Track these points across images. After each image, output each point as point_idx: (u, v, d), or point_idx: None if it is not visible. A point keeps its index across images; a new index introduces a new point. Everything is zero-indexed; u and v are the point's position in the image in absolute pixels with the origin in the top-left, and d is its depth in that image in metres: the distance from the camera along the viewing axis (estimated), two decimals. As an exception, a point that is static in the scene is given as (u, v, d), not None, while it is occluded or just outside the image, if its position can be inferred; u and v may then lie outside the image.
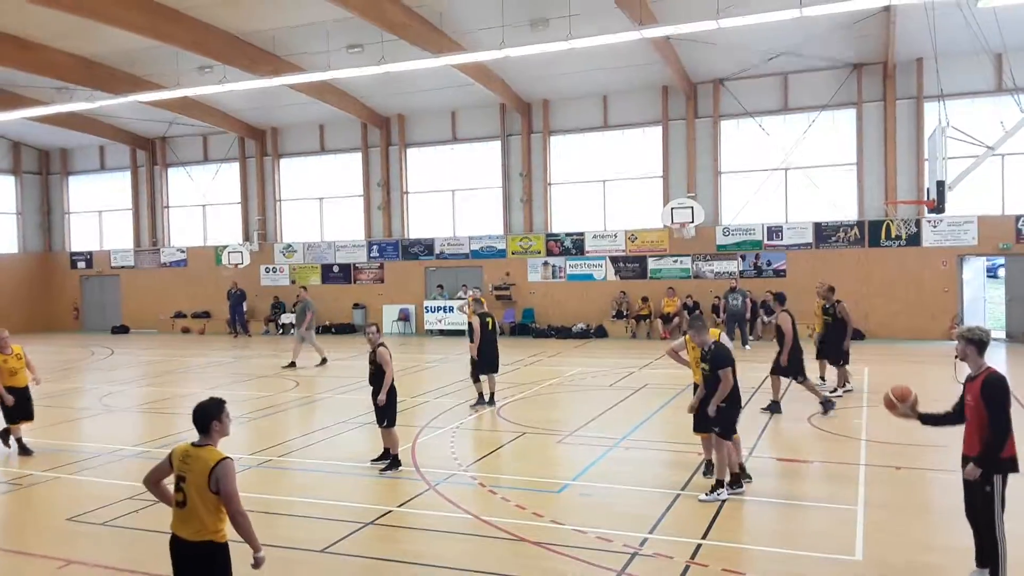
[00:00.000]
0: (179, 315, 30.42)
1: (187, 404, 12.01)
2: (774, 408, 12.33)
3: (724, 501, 8.00)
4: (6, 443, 11.04)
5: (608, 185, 25.30)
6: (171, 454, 4.89)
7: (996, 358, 18.99)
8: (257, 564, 4.79)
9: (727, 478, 8.18)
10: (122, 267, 31.89)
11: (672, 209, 22.65)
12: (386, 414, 9.56)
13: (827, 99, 22.34)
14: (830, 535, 7.14)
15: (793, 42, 20.31)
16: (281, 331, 28.16)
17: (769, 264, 23.22)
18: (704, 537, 7.11)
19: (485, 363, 13.33)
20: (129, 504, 8.51)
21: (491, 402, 13.34)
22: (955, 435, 11.25)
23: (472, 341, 13.17)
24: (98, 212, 32.82)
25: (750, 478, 8.51)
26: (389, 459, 9.54)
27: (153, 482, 4.98)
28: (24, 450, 10.92)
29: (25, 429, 11.13)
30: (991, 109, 19.74)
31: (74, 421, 14.02)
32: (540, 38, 18.75)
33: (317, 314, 20.62)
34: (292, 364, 19.00)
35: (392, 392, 9.57)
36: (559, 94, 25.09)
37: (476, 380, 13.41)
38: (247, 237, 29.53)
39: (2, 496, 9.25)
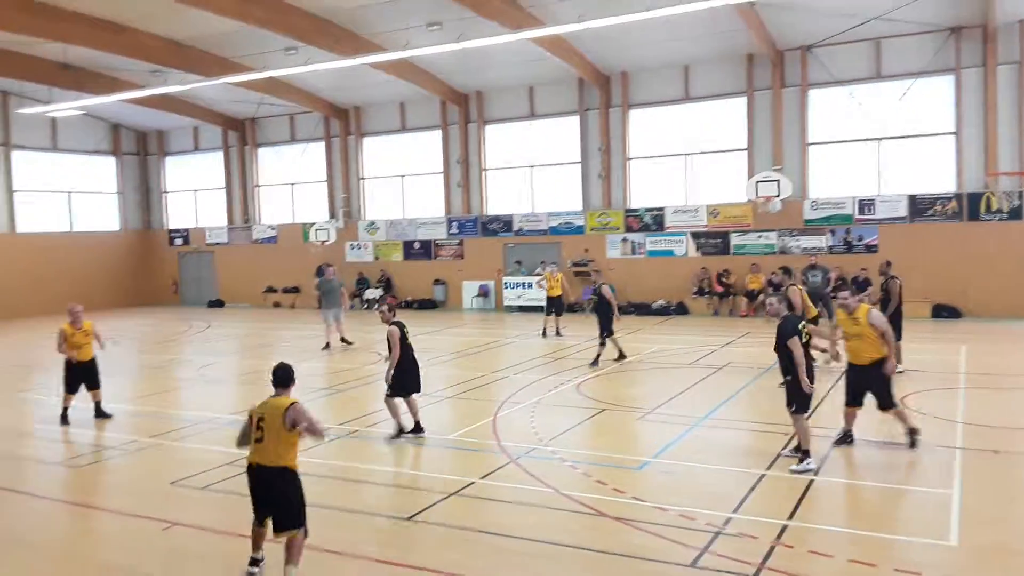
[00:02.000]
0: (270, 290, 31.56)
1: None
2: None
3: (811, 482, 7.85)
4: (65, 421, 11.51)
5: (689, 159, 24.79)
6: (250, 413, 6.18)
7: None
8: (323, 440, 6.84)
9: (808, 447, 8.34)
10: (216, 244, 33.24)
11: (757, 183, 22.03)
12: (391, 387, 9.98)
13: (923, 65, 21.21)
14: (923, 519, 6.93)
15: (886, 5, 19.32)
16: (366, 306, 28.85)
17: (860, 239, 22.37)
18: (790, 518, 7.01)
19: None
20: (227, 470, 8.96)
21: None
22: (1061, 419, 10.69)
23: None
24: (193, 191, 34.24)
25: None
26: (397, 430, 9.99)
27: (245, 442, 6.20)
28: (102, 414, 11.67)
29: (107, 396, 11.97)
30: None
31: (175, 391, 14.80)
32: (619, 8, 18.41)
33: (325, 297, 20.35)
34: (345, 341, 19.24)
35: (398, 368, 9.88)
36: (638, 66, 24.64)
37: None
38: (332, 215, 30.29)
39: (111, 461, 9.87)
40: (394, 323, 10.05)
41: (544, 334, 19.75)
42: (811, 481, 7.94)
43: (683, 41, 22.50)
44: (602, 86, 25.24)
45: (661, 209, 24.94)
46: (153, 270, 34.45)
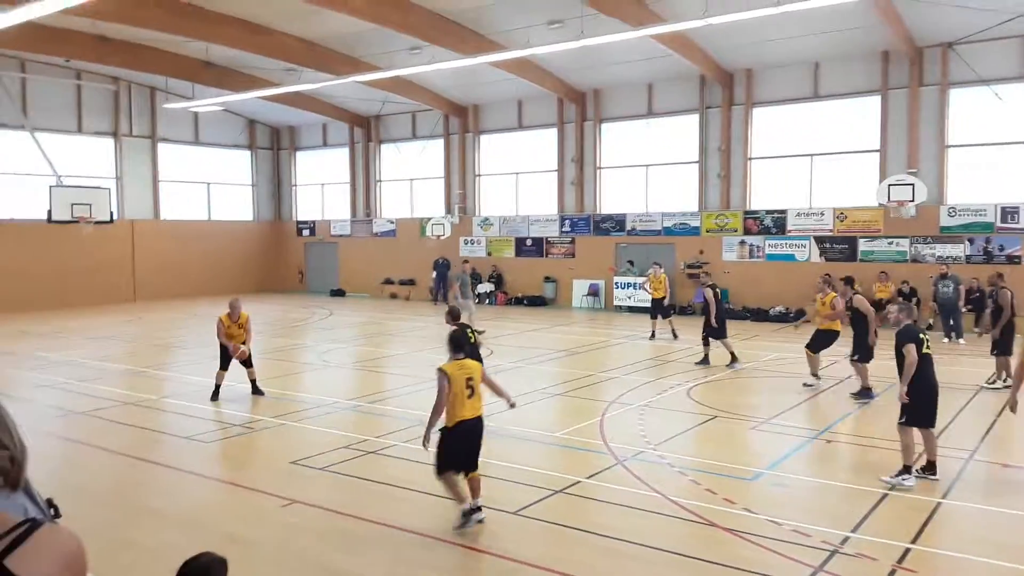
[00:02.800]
0: (387, 281, 32.60)
1: (394, 364, 12.95)
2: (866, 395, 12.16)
3: (938, 504, 7.40)
4: (216, 397, 12.39)
5: (815, 160, 23.78)
6: (446, 375, 6.85)
7: None
8: (513, 406, 7.63)
9: (914, 463, 8.06)
10: (340, 235, 34.64)
11: (889, 186, 20.88)
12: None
13: (1085, 61, 19.49)
14: (1065, 554, 6.39)
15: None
16: (477, 300, 29.30)
17: (1001, 249, 20.82)
18: (914, 541, 6.63)
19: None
20: (344, 452, 9.35)
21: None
22: None
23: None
24: (320, 185, 35.80)
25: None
26: None
27: (443, 404, 6.93)
28: (257, 391, 12.50)
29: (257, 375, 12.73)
30: None
31: (297, 374, 15.53)
32: (746, 3, 17.86)
33: (461, 287, 20.80)
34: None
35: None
36: (764, 63, 23.84)
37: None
38: (449, 210, 30.94)
39: (236, 438, 10.47)
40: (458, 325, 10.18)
41: (652, 336, 19.46)
42: (938, 504, 7.49)
43: (813, 37, 21.58)
44: (725, 83, 24.58)
45: (783, 211, 24.05)
46: (281, 259, 36.27)
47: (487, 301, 29.09)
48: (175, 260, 31.83)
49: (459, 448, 6.90)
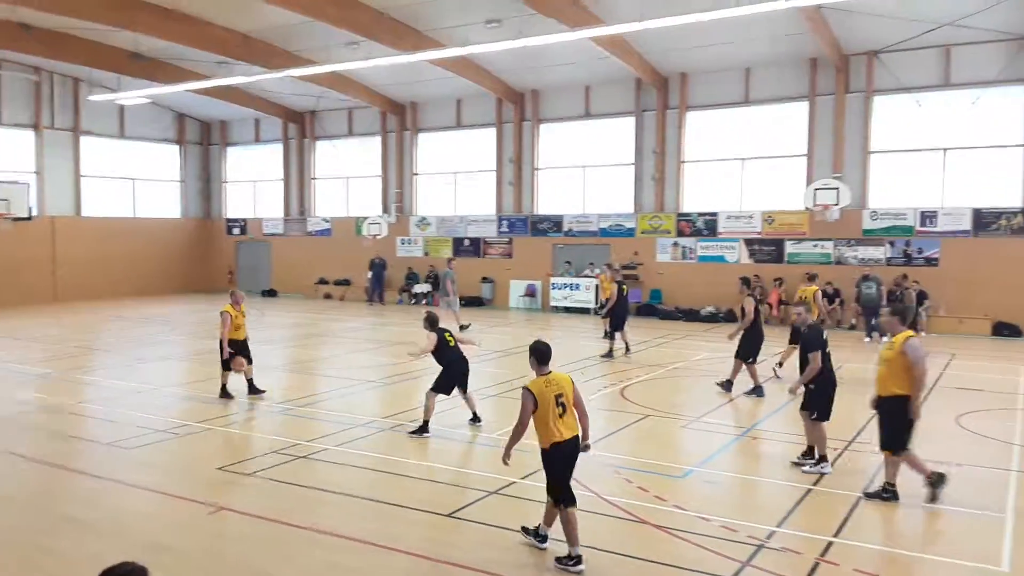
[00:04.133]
0: (322, 281, 32.08)
1: (328, 366, 12.76)
2: (758, 392, 12.64)
3: (859, 500, 7.68)
4: (226, 394, 12.27)
5: (745, 164, 24.40)
6: (531, 394, 6.20)
7: None
8: (587, 448, 6.51)
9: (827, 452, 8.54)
10: (272, 234, 33.93)
11: (815, 190, 21.58)
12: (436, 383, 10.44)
13: (994, 74, 20.49)
14: (973, 542, 6.71)
15: (957, 11, 18.73)
16: (414, 300, 29.12)
17: (920, 252, 21.74)
18: (836, 535, 6.86)
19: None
20: (275, 457, 9.16)
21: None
22: None
23: None
24: (252, 182, 35.00)
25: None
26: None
27: (525, 426, 6.32)
28: (255, 390, 12.42)
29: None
30: None
31: (227, 376, 15.10)
32: (681, 8, 18.21)
33: (451, 285, 22.13)
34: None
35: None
36: (698, 68, 24.34)
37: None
38: (385, 209, 30.65)
39: (160, 444, 10.13)
40: (436, 330, 10.46)
41: (606, 336, 19.69)
42: (859, 499, 7.76)
43: (745, 43, 22.15)
44: (660, 87, 25.00)
45: (715, 214, 24.60)
46: (211, 258, 35.33)
47: (424, 301, 28.93)
48: (98, 259, 30.68)
49: (562, 472, 6.27)
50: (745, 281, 13.90)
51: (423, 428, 10.15)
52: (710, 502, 7.73)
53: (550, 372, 6.38)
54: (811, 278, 15.37)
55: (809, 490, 8.01)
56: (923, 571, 6.07)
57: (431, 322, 10.53)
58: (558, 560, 6.19)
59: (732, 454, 9.53)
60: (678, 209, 25.20)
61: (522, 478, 8.43)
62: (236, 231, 35.11)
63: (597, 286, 25.57)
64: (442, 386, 10.33)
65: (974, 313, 20.76)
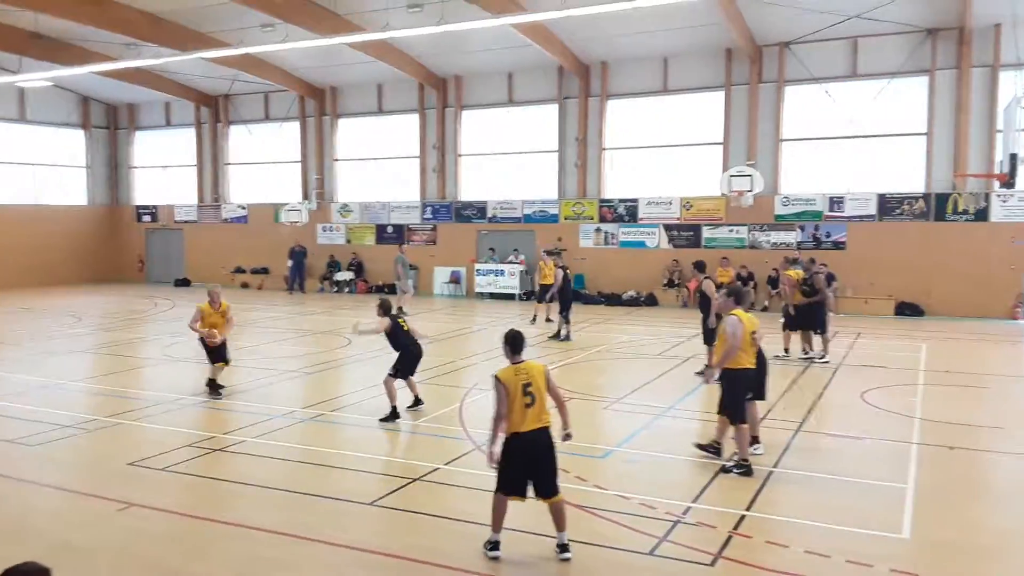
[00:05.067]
0: (238, 270, 31.20)
1: (245, 356, 12.46)
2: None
3: (770, 473, 7.98)
4: (214, 392, 11.57)
5: (665, 151, 24.88)
6: (501, 383, 6.00)
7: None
8: (568, 436, 6.42)
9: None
10: (185, 222, 32.78)
11: (731, 177, 22.19)
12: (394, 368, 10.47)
13: (898, 65, 21.47)
14: (877, 512, 7.06)
15: (865, 4, 19.50)
16: (336, 289, 28.66)
17: (828, 236, 22.65)
18: (748, 509, 7.10)
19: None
20: (188, 451, 8.88)
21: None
22: (1014, 417, 10.98)
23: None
24: (163, 167, 33.69)
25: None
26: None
27: (502, 416, 6.07)
28: (215, 387, 11.63)
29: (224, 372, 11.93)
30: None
31: (136, 369, 14.60)
32: (601, -2, 18.39)
33: (404, 270, 22.55)
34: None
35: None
36: (618, 56, 24.64)
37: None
38: (305, 196, 30.00)
39: (67, 440, 9.70)
40: (390, 316, 10.53)
41: (534, 320, 19.85)
42: (770, 472, 8.06)
43: (663, 33, 22.53)
44: (582, 75, 25.21)
45: (635, 200, 25.03)
46: (119, 246, 33.91)
47: (347, 290, 28.50)
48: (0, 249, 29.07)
49: (517, 465, 6.04)
50: (699, 266, 13.92)
51: (393, 414, 10.09)
52: (629, 481, 7.89)
53: (522, 361, 6.21)
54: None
55: (724, 465, 8.26)
56: (830, 541, 6.35)
57: (384, 308, 10.53)
58: (488, 542, 6.17)
59: (651, 434, 9.75)
60: (600, 195, 25.53)
61: (446, 464, 8.43)
62: (146, 218, 33.78)
63: (522, 272, 25.78)
64: (401, 371, 10.39)
65: (879, 294, 21.78)
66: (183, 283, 31.92)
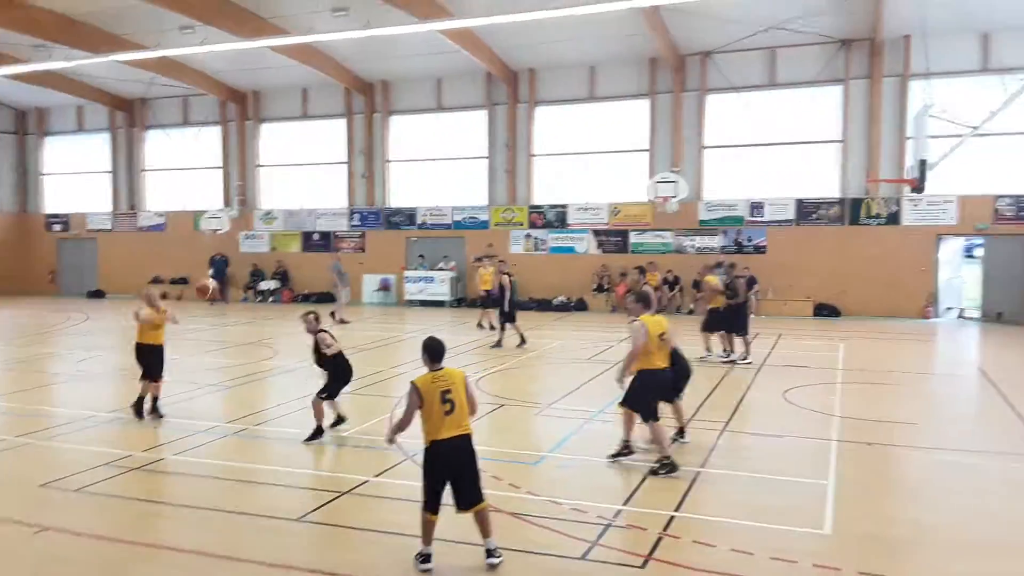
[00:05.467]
0: (157, 280, 30.09)
1: (166, 370, 11.93)
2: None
3: (697, 474, 8.11)
4: (140, 414, 10.68)
5: (593, 158, 25.20)
6: (417, 390, 5.94)
7: (969, 337, 19.28)
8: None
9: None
10: (99, 230, 31.48)
11: (656, 183, 22.64)
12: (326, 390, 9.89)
13: (814, 75, 22.30)
14: (800, 509, 7.25)
15: (782, 16, 20.20)
16: (260, 298, 27.99)
17: (750, 240, 23.32)
18: (677, 509, 7.20)
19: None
20: (104, 471, 8.48)
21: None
22: (927, 413, 11.47)
23: None
24: (75, 174, 32.30)
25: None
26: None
27: (407, 422, 6.09)
28: (156, 412, 10.79)
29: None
30: (975, 89, 19.79)
31: (48, 386, 13.91)
32: (528, 5, 18.50)
33: (340, 278, 22.16)
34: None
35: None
36: (546, 64, 24.86)
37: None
38: (227, 203, 29.21)
39: (-25, 460, 9.16)
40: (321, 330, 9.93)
41: (482, 326, 19.75)
42: (697, 473, 8.20)
43: (590, 42, 22.85)
44: (510, 82, 25.31)
45: (564, 206, 25.25)
46: (28, 257, 32.35)
47: (271, 299, 27.86)
48: None
49: (438, 474, 5.95)
50: (642, 270, 14.39)
51: (317, 432, 9.57)
52: (561, 486, 7.91)
53: (441, 368, 6.12)
54: (716, 265, 16.00)
55: (651, 469, 8.36)
56: (755, 538, 6.48)
57: (315, 319, 10.08)
58: (419, 555, 6.08)
59: (582, 438, 9.80)
60: (530, 201, 25.67)
61: (376, 476, 8.28)
62: (57, 227, 32.31)
63: (453, 279, 25.67)
64: (332, 392, 9.84)
65: (797, 296, 22.53)
66: (97, 295, 30.65)
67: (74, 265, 31.98)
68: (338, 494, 7.73)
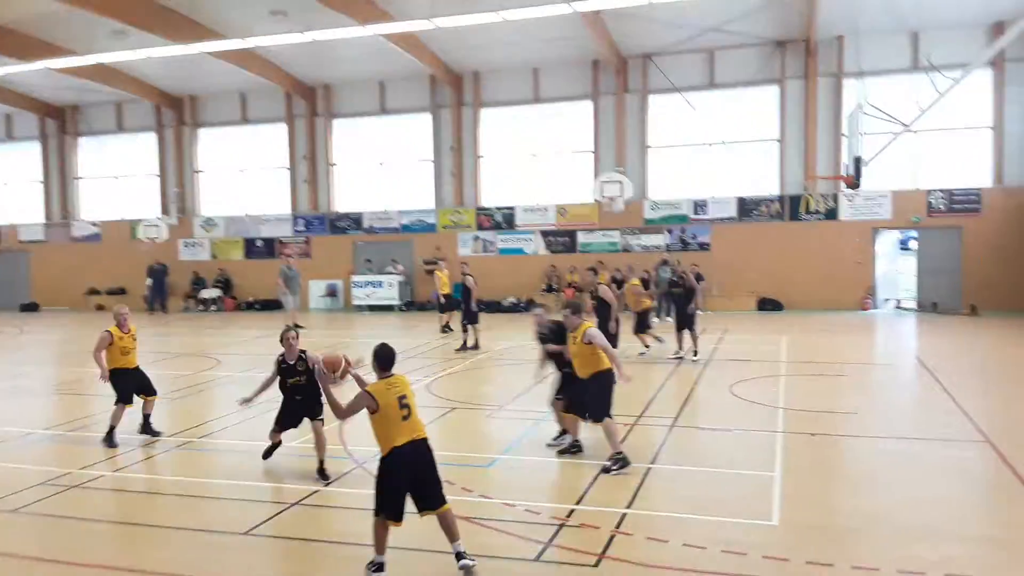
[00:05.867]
0: (93, 292, 29.21)
1: (102, 385, 11.63)
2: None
3: (648, 470, 8.19)
4: (111, 443, 9.89)
5: (539, 159, 25.29)
6: (372, 398, 5.90)
7: (906, 328, 19.90)
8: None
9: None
10: (31, 241, 30.38)
11: (602, 183, 22.83)
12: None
13: (752, 76, 22.77)
14: (748, 501, 7.37)
15: (721, 18, 20.58)
16: (201, 307, 27.35)
17: (695, 237, 23.69)
18: (629, 507, 7.25)
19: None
20: (41, 490, 8.16)
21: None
22: (868, 402, 11.78)
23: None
24: (5, 184, 31.10)
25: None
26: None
27: (349, 413, 6.23)
28: (150, 429, 10.17)
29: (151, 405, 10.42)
30: (907, 87, 20.45)
31: (-20, 404, 13.32)
32: (470, 7, 18.47)
33: (286, 282, 21.67)
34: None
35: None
36: (490, 66, 24.86)
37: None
38: (165, 210, 28.49)
39: (-101, 485, 8.72)
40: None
41: (447, 329, 19.81)
42: (648, 469, 8.27)
43: (533, 44, 22.93)
44: (454, 84, 25.24)
45: (512, 208, 25.28)
46: (-43, 271, 31.02)
47: (213, 308, 27.25)
48: None
49: (399, 480, 5.86)
50: (595, 271, 14.57)
51: (272, 448, 8.82)
52: (515, 488, 7.89)
53: (392, 375, 6.14)
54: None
55: (606, 467, 8.40)
56: (706, 532, 6.56)
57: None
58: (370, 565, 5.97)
59: (535, 439, 9.79)
60: (477, 203, 25.63)
61: (326, 486, 8.14)
62: (-13, 240, 31.08)
63: (401, 282, 25.47)
64: (286, 422, 8.66)
65: (741, 291, 22.96)
66: (30, 307, 29.55)
67: (5, 278, 30.79)
68: (287, 505, 7.57)
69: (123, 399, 10.15)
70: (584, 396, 8.47)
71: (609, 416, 8.36)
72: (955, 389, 11.72)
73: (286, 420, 8.63)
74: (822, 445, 9.35)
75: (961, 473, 8.24)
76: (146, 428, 10.25)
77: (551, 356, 9.13)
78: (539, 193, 25.30)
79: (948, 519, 6.91)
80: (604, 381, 8.37)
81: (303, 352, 8.54)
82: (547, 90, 24.85)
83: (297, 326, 20.08)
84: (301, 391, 8.53)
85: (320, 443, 8.40)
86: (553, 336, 9.04)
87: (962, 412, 10.39)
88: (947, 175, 21.85)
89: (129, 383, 10.22)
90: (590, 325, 8.55)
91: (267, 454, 8.82)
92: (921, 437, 9.56)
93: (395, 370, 6.22)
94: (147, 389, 10.37)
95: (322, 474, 8.25)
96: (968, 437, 9.27)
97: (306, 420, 8.59)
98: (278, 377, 8.60)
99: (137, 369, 10.43)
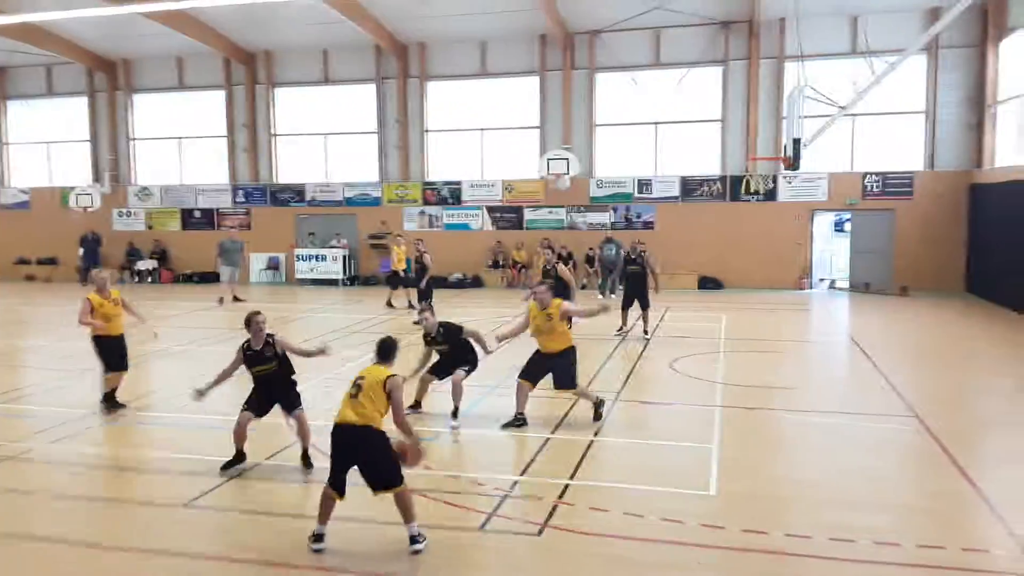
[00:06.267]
0: (22, 261, 28.07)
1: (34, 356, 11.27)
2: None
3: (591, 442, 8.32)
4: (110, 409, 9.73)
5: (486, 134, 25.15)
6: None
7: (840, 307, 20.56)
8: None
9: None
10: (-47, 208, 28.98)
11: (548, 160, 22.84)
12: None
13: (696, 55, 22.99)
14: (688, 472, 7.57)
15: (667, -4, 20.68)
16: (136, 279, 26.58)
17: (639, 216, 23.95)
18: (572, 478, 7.37)
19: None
20: (-34, 465, 7.88)
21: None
22: (802, 378, 12.16)
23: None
24: (-78, 147, 29.53)
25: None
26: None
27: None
28: (114, 403, 9.86)
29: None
30: (846, 70, 20.90)
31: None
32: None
33: (227, 254, 21.59)
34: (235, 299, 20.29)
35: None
36: (436, 38, 24.53)
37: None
38: (97, 178, 27.48)
39: None
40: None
41: (392, 305, 19.71)
42: (591, 441, 8.41)
43: (480, 16, 22.68)
44: (400, 56, 24.84)
45: (458, 183, 25.13)
46: None
47: (149, 279, 26.50)
48: None
49: (334, 454, 6.01)
50: (551, 248, 14.68)
51: (238, 457, 7.78)
52: (459, 460, 7.97)
53: (382, 365, 6.33)
54: (608, 240, 16.27)
55: (548, 438, 8.52)
56: (646, 502, 6.72)
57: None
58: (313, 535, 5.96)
59: (480, 412, 9.84)
60: (424, 178, 25.39)
61: (267, 459, 8.06)
62: (-95, 206, 29.51)
63: (345, 256, 25.14)
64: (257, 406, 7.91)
65: (683, 269, 23.35)
66: (-46, 278, 28.23)
67: (-76, 246, 29.32)
68: (228, 478, 7.47)
69: (111, 367, 9.91)
70: (551, 370, 9.08)
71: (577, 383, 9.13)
72: (885, 366, 12.18)
73: (256, 407, 7.76)
74: (758, 418, 9.64)
75: (890, 446, 8.59)
76: (110, 399, 9.99)
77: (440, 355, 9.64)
78: (486, 169, 25.19)
79: (877, 489, 7.21)
80: (573, 355, 9.11)
81: (271, 336, 7.69)
82: (494, 64, 24.66)
83: (236, 299, 19.87)
84: (271, 380, 7.69)
85: (304, 432, 7.67)
86: (443, 338, 9.53)
87: (892, 388, 10.82)
88: (882, 159, 22.51)
89: (113, 351, 9.94)
90: (560, 301, 9.13)
91: (227, 466, 7.63)
92: (852, 411, 9.93)
93: (397, 361, 6.54)
94: (122, 365, 10.10)
95: (306, 462, 7.61)
96: (897, 412, 9.67)
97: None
98: (241, 365, 7.75)
99: (121, 337, 10.11)
